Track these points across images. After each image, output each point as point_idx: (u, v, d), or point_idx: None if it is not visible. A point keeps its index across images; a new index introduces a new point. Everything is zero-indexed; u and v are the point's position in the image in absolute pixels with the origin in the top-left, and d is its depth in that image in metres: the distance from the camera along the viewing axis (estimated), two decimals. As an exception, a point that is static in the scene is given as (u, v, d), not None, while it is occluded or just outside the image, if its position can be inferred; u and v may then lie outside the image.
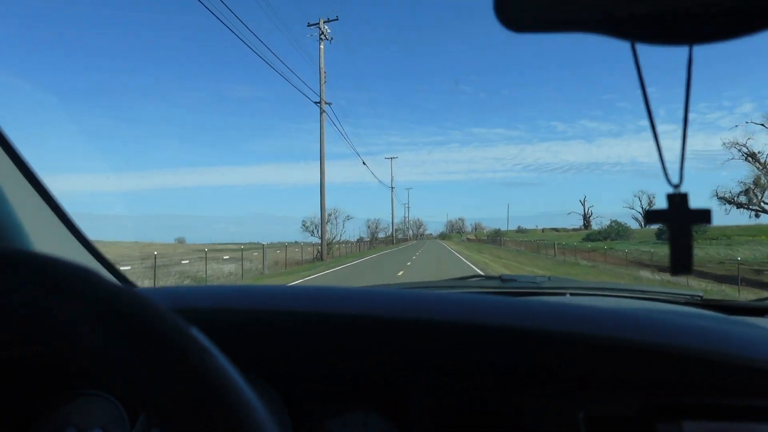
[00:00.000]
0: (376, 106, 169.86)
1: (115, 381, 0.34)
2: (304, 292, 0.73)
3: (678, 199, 0.37)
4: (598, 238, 49.37)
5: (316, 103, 23.55)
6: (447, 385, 0.68)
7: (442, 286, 1.53)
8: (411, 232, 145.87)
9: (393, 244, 69.08)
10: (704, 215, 0.36)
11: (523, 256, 31.26)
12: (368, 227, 70.54)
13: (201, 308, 0.72)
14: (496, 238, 74.84)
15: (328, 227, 29.85)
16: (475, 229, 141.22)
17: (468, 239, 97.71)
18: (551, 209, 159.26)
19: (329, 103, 24.25)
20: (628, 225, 50.03)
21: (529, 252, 39.27)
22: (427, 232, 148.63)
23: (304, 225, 36.54)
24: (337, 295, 0.72)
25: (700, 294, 1.39)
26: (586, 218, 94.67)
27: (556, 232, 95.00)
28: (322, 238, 26.10)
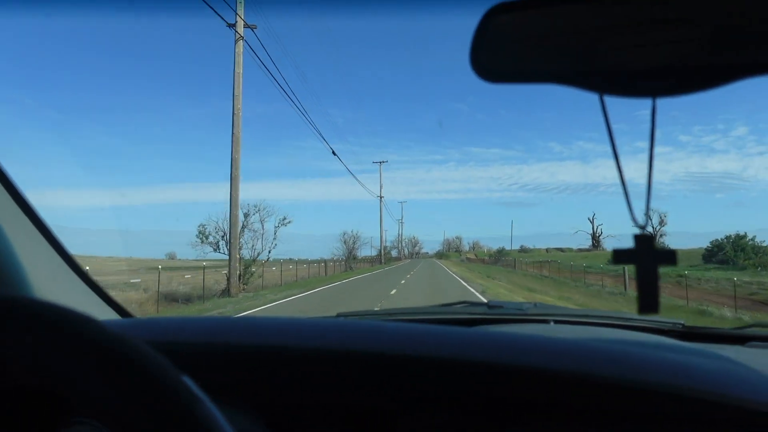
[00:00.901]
0: (374, 125, 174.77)
1: (109, 421, 0.35)
2: (291, 325, 0.75)
3: (644, 240, 0.37)
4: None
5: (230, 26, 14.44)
6: (434, 416, 0.69)
7: (430, 312, 1.62)
8: (406, 250, 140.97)
9: (381, 263, 59.41)
10: (669, 257, 0.37)
11: (563, 288, 22.30)
12: (344, 242, 49.40)
13: (188, 341, 0.73)
14: (499, 258, 66.12)
15: (244, 239, 18.87)
16: (473, 248, 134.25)
17: (468, 259, 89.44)
18: (546, 229, 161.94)
19: (253, 27, 15.19)
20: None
21: (558, 278, 29.87)
22: (423, 251, 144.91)
23: (200, 235, 19.03)
24: (323, 328, 0.73)
25: (682, 322, 1.42)
26: (596, 237, 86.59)
27: (562, 252, 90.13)
28: (230, 257, 15.39)
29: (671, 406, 0.61)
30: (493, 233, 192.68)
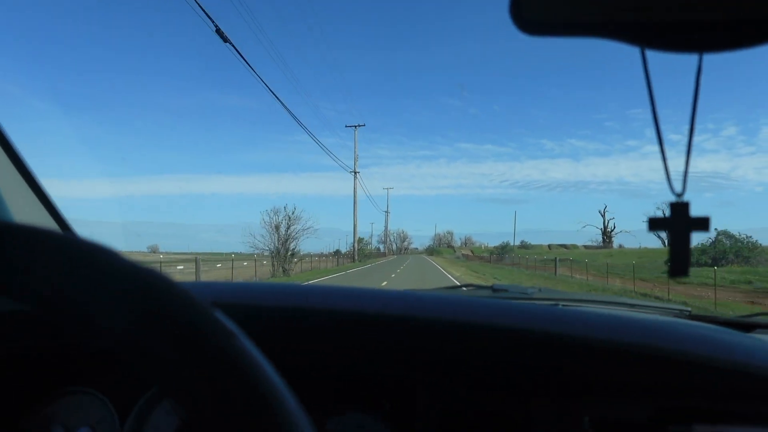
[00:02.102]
0: (367, 119, 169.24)
1: (132, 365, 0.33)
2: (312, 288, 0.74)
3: (680, 208, 0.39)
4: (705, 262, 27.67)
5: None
6: (454, 387, 0.69)
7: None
8: (395, 245, 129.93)
9: (355, 261, 46.17)
10: (703, 223, 0.38)
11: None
12: (272, 229, 27.00)
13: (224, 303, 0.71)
14: (503, 254, 53.29)
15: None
16: (465, 243, 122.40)
17: (464, 255, 76.52)
18: (538, 226, 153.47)
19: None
20: (757, 241, 29.25)
21: (621, 287, 17.78)
22: (412, 246, 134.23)
23: None
24: (347, 293, 0.73)
25: (688, 309, 1.41)
26: (607, 233, 75.07)
27: (566, 249, 78.43)
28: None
29: (705, 377, 0.60)
30: (483, 230, 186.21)
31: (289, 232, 26.55)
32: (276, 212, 26.80)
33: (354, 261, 46.07)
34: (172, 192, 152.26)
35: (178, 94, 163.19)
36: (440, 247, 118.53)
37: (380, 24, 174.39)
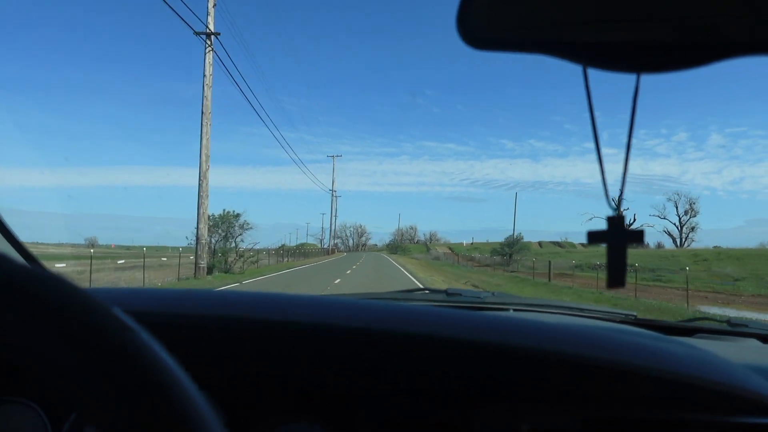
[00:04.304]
0: (329, 114, 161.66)
1: (33, 376, 0.31)
2: (248, 297, 0.72)
3: (616, 222, 0.40)
4: None
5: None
6: (396, 397, 0.67)
7: (389, 298, 1.53)
8: (351, 241, 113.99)
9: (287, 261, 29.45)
10: (638, 236, 0.40)
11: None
12: None
13: (136, 311, 0.67)
14: (510, 255, 36.05)
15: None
16: (430, 240, 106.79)
17: (444, 255, 58.51)
18: (494, 225, 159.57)
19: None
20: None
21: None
22: (371, 242, 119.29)
23: None
24: (284, 301, 0.71)
25: (634, 314, 1.45)
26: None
27: (561, 248, 63.72)
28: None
29: (638, 386, 0.61)
30: (444, 227, 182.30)
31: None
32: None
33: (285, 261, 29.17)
34: (124, 183, 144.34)
35: (131, 81, 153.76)
36: (406, 244, 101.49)
37: (344, 18, 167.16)
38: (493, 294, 1.62)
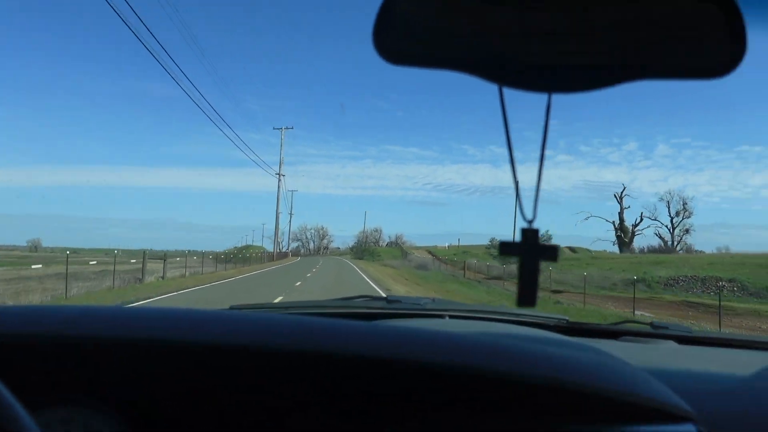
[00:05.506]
0: (295, 116, 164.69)
1: None
2: (146, 314, 0.71)
3: (530, 234, 0.39)
4: None
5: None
6: (321, 415, 0.66)
7: (329, 306, 1.62)
8: (312, 243, 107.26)
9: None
10: (551, 252, 0.39)
11: None
12: None
13: (33, 332, 0.66)
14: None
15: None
16: (396, 243, 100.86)
17: (431, 262, 50.73)
18: (457, 229, 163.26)
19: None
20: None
21: None
22: (333, 245, 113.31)
23: None
24: (208, 320, 0.69)
25: (566, 318, 1.52)
26: (625, 228, 55.31)
27: (573, 253, 58.96)
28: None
29: (549, 397, 0.61)
30: (409, 230, 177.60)
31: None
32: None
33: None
34: (79, 184, 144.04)
35: (85, 78, 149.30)
36: (372, 246, 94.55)
37: (305, 21, 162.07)
38: (432, 300, 1.69)
